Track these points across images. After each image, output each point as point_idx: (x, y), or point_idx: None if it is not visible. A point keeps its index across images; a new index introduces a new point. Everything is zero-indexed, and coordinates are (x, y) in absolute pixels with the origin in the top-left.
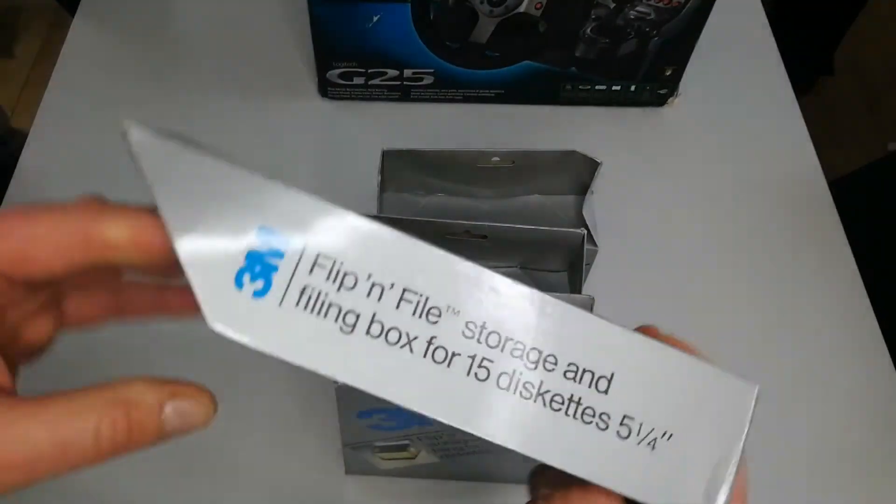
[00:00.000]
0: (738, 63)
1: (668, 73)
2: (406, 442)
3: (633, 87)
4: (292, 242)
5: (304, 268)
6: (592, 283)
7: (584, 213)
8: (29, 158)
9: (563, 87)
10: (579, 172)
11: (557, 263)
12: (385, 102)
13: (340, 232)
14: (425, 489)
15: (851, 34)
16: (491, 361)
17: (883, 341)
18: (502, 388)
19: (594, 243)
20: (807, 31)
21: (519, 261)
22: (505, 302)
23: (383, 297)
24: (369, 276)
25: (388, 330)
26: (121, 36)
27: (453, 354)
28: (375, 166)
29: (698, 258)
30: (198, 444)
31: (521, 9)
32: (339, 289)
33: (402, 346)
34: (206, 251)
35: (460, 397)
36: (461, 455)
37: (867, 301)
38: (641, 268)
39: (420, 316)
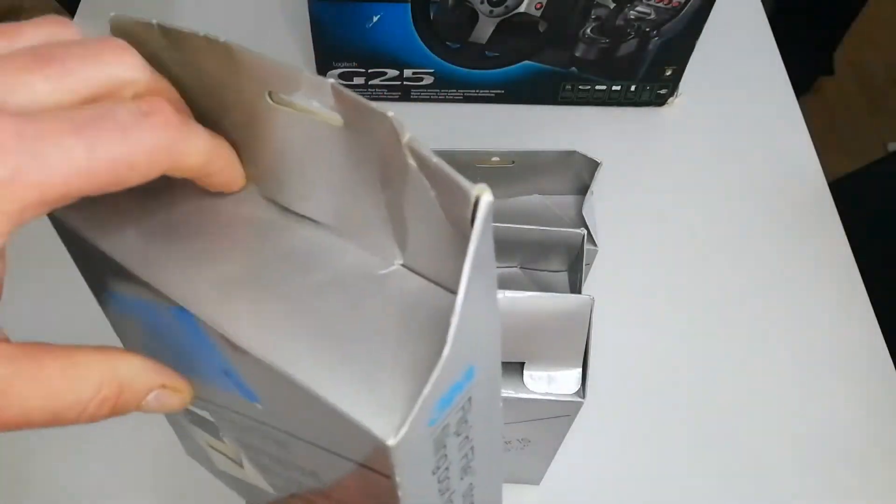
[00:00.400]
0: (738, 63)
1: (668, 73)
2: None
3: (633, 88)
4: (471, 378)
5: (460, 404)
6: (592, 283)
7: (584, 213)
8: None
9: (563, 88)
10: (579, 172)
11: (557, 264)
12: (385, 102)
13: (488, 380)
14: None
15: (851, 34)
16: None
17: (883, 341)
18: None
19: (594, 243)
20: (807, 31)
21: (519, 261)
22: None
23: (462, 448)
24: (471, 427)
25: (446, 479)
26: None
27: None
28: None
29: (698, 258)
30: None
31: (521, 9)
32: (456, 432)
33: (441, 493)
34: (454, 356)
35: None
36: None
37: (867, 301)
38: (641, 268)
39: (463, 472)
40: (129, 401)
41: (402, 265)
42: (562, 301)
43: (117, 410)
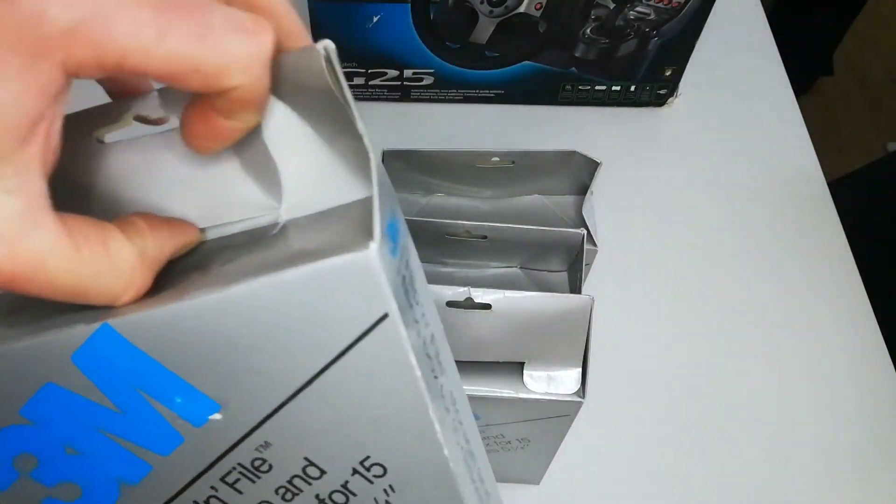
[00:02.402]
0: (737, 63)
1: (667, 73)
2: None
3: (632, 88)
4: (402, 231)
5: (405, 258)
6: (592, 283)
7: (584, 213)
8: None
9: (563, 88)
10: (579, 173)
11: (557, 264)
12: (385, 102)
13: (414, 253)
14: None
15: (851, 34)
16: None
17: (883, 341)
18: None
19: (594, 243)
20: (806, 31)
21: (519, 261)
22: None
23: (427, 326)
24: (420, 304)
25: (429, 356)
26: None
27: (448, 408)
28: None
29: (698, 258)
30: None
31: (521, 9)
32: (413, 294)
33: (435, 377)
34: (385, 185)
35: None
36: None
37: (867, 301)
38: (641, 268)
39: (437, 362)
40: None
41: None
42: (562, 301)
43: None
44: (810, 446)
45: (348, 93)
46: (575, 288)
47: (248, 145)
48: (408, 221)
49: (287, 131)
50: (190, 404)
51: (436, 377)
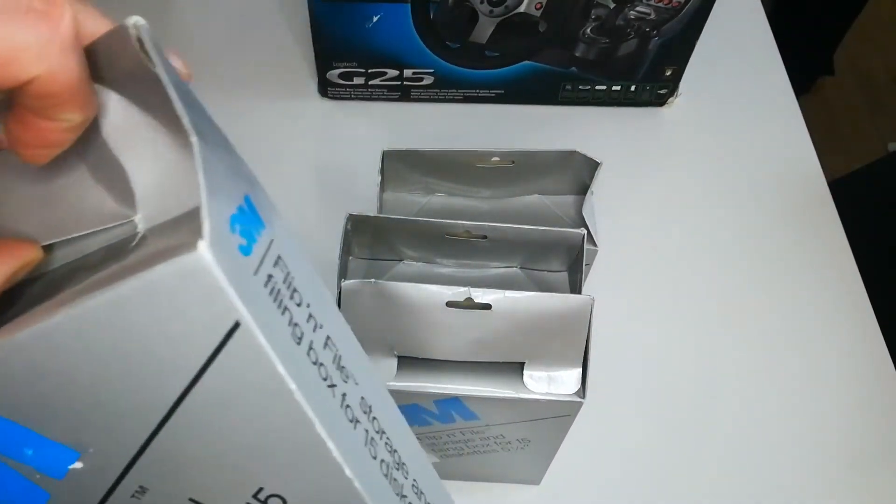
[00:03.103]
0: (738, 63)
1: (668, 73)
2: None
3: (633, 87)
4: (268, 226)
5: (272, 256)
6: (592, 283)
7: (584, 213)
8: None
9: (563, 87)
10: (579, 172)
11: (557, 264)
12: (385, 102)
13: (299, 252)
14: None
15: (851, 34)
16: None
17: (883, 341)
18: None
19: (594, 243)
20: (807, 31)
21: (519, 261)
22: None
23: (316, 331)
24: (308, 305)
25: (320, 364)
26: None
27: (355, 420)
28: (375, 166)
29: (698, 258)
30: None
31: (521, 9)
32: (290, 297)
33: (328, 386)
34: (218, 173)
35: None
36: (461, 455)
37: (867, 301)
38: (641, 268)
39: (337, 368)
40: None
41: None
42: (562, 301)
43: None
44: (810, 446)
45: (163, 73)
46: (575, 288)
47: (89, 147)
48: (407, 221)
49: (128, 126)
50: (43, 455)
51: (331, 386)
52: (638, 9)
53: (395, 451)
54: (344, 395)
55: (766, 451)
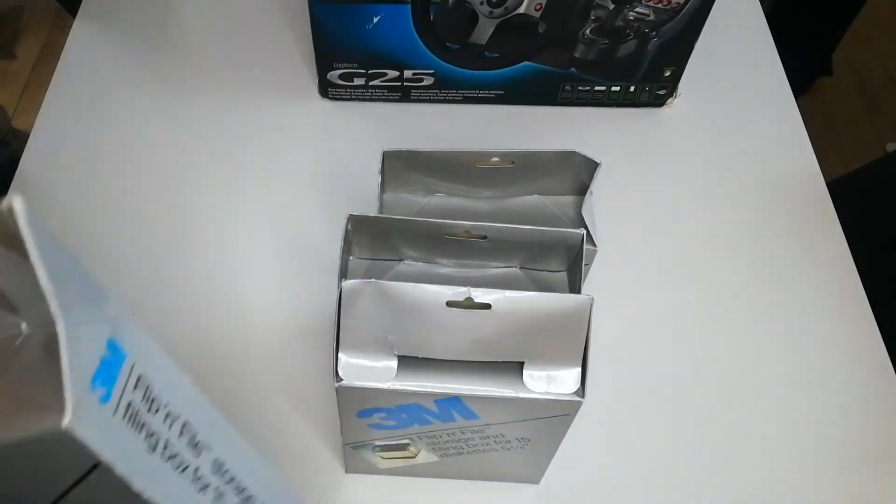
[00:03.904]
0: (736, 64)
1: (667, 73)
2: (406, 441)
3: (632, 88)
4: (128, 354)
5: (132, 381)
6: (592, 284)
7: (584, 213)
8: (30, 159)
9: (563, 88)
10: (579, 173)
11: (557, 264)
12: (385, 103)
13: (155, 360)
14: (425, 488)
15: (850, 35)
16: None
17: (881, 341)
18: None
19: (594, 243)
20: (805, 31)
21: (518, 261)
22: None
23: (173, 425)
24: (167, 405)
25: (174, 455)
26: (122, 37)
27: (205, 486)
28: (375, 166)
29: (697, 258)
30: None
31: (521, 10)
32: (148, 409)
33: (181, 471)
34: (80, 337)
35: None
36: (460, 455)
37: (866, 301)
38: (641, 268)
39: (191, 447)
40: None
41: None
42: (561, 301)
43: None
44: (810, 446)
45: (34, 253)
46: (574, 288)
47: None
48: (407, 221)
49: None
50: None
51: (184, 469)
52: (637, 10)
53: (244, 489)
54: (196, 469)
55: (765, 450)
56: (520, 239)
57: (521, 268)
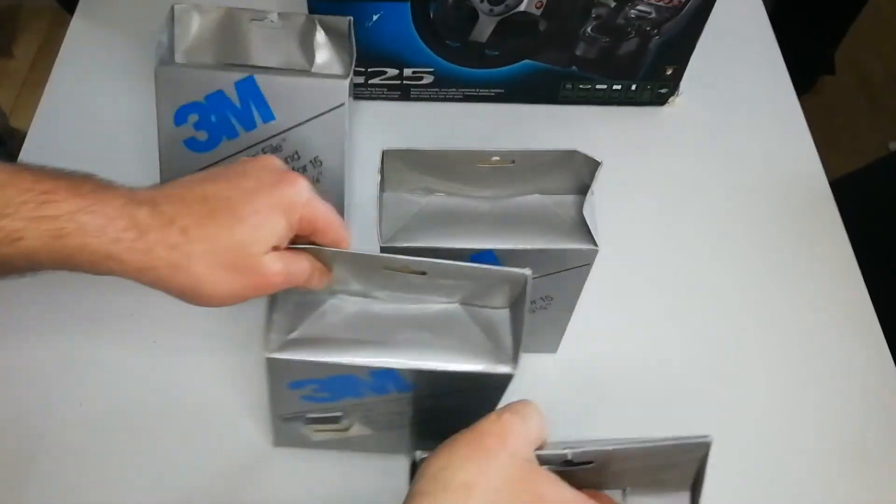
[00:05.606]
0: (739, 62)
1: (668, 72)
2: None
3: (633, 87)
4: None
5: None
6: (593, 284)
7: (585, 213)
8: (27, 158)
9: (564, 87)
10: (580, 172)
11: (501, 300)
12: (385, 101)
13: None
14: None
15: (853, 33)
16: None
17: (884, 340)
18: None
19: (594, 243)
20: (808, 30)
21: (460, 296)
22: None
23: None
24: None
25: None
26: (119, 36)
27: None
28: (375, 166)
29: (699, 258)
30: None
31: (522, 8)
32: None
33: None
34: None
35: None
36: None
37: (868, 300)
38: (642, 267)
39: None
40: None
41: None
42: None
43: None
44: (811, 446)
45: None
46: (517, 326)
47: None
48: (344, 254)
49: None
50: None
51: None
52: (639, 8)
53: None
54: None
55: (765, 449)
56: (462, 275)
57: (461, 304)
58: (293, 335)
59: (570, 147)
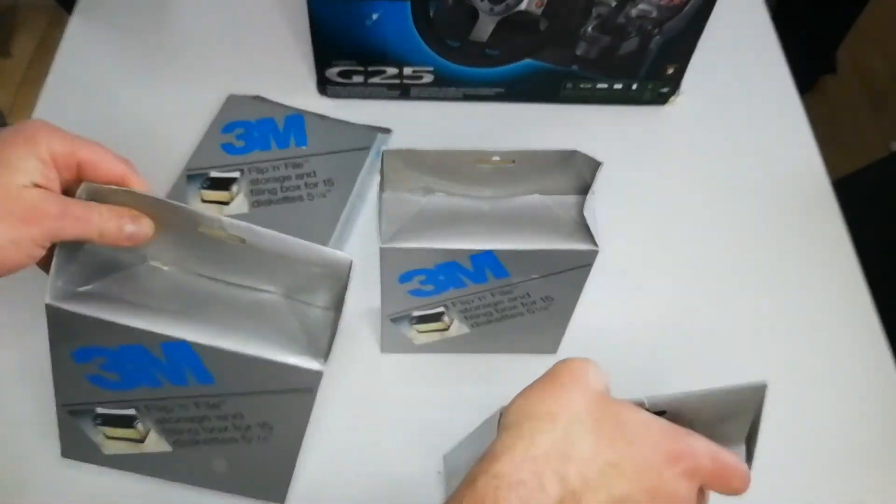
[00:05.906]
0: (740, 61)
1: (669, 71)
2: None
3: (634, 86)
4: None
5: None
6: (592, 284)
7: (586, 213)
8: None
9: (564, 86)
10: (580, 172)
11: (326, 299)
12: (385, 101)
13: None
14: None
15: (854, 33)
16: None
17: (885, 340)
18: None
19: (595, 243)
20: (810, 29)
21: (283, 286)
22: None
23: None
24: None
25: None
26: (118, 34)
27: None
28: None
29: (700, 258)
30: None
31: (522, 7)
32: None
33: None
34: None
35: None
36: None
37: (869, 300)
38: (643, 267)
39: None
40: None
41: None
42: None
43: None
44: (811, 445)
45: None
46: (333, 330)
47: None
48: (160, 203)
49: None
50: None
51: None
52: (639, 6)
53: None
54: None
55: (765, 449)
56: (281, 252)
57: (285, 297)
58: (84, 288)
59: (571, 147)
